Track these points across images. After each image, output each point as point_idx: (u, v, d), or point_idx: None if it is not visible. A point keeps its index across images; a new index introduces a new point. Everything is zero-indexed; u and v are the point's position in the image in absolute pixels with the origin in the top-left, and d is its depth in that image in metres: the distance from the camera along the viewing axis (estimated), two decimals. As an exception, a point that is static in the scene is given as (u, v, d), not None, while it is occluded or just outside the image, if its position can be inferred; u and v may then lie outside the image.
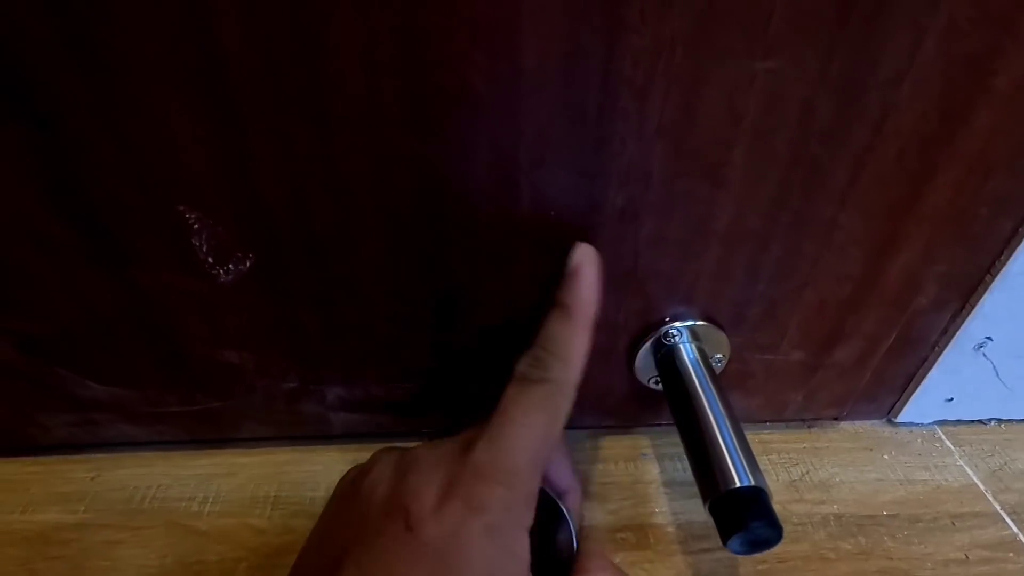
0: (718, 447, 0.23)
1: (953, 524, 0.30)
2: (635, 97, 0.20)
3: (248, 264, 0.24)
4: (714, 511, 0.22)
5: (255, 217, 0.23)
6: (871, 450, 0.34)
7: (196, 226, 0.23)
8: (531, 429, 0.19)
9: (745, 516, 0.20)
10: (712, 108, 0.21)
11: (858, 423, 0.35)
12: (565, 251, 0.24)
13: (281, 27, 0.18)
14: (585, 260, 0.22)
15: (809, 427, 0.35)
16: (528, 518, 0.19)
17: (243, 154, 0.21)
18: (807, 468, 0.33)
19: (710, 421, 0.24)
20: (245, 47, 0.18)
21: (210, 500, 0.30)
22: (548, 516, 0.23)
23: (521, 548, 0.18)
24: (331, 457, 0.33)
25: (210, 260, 0.24)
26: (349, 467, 0.32)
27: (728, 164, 0.22)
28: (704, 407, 0.25)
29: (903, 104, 0.21)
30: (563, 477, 0.25)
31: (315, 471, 0.32)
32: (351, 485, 0.22)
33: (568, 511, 0.23)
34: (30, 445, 0.31)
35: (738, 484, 0.22)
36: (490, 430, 0.19)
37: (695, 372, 0.26)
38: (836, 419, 0.35)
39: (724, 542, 0.21)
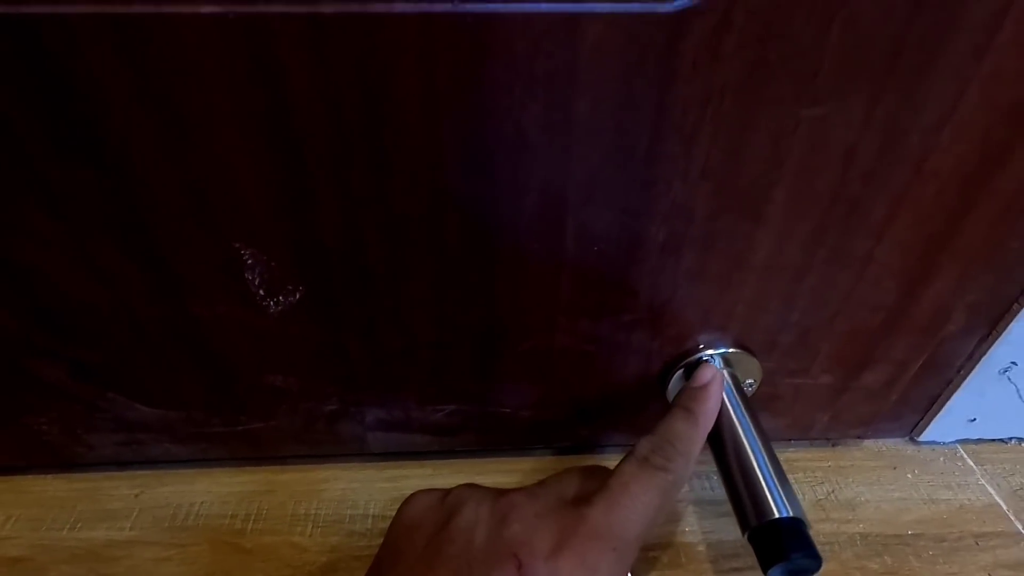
0: (755, 476, 0.24)
1: (977, 544, 0.30)
2: (683, 142, 0.21)
3: (298, 296, 0.25)
4: (754, 540, 0.23)
5: (308, 253, 0.23)
6: (895, 468, 0.34)
7: (250, 262, 0.23)
8: (647, 508, 0.21)
9: (786, 547, 0.21)
10: (756, 152, 0.21)
11: (881, 441, 0.36)
12: (606, 283, 0.25)
13: (347, 76, 0.19)
14: (715, 380, 0.26)
15: (833, 445, 0.36)
16: None
17: (302, 195, 0.21)
18: (832, 487, 0.33)
19: (746, 450, 0.25)
20: (311, 95, 0.19)
21: (252, 518, 0.31)
22: None
23: None
24: (368, 475, 0.34)
25: (261, 293, 0.25)
26: (386, 484, 0.33)
27: (769, 203, 0.23)
28: (739, 435, 0.25)
29: (944, 147, 0.21)
30: None
31: (353, 488, 0.33)
32: (433, 520, 0.22)
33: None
34: (76, 463, 0.32)
35: (777, 515, 0.22)
36: (610, 497, 0.21)
37: (728, 399, 0.27)
38: (859, 437, 0.36)
39: (764, 571, 0.22)
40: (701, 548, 0.30)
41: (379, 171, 0.21)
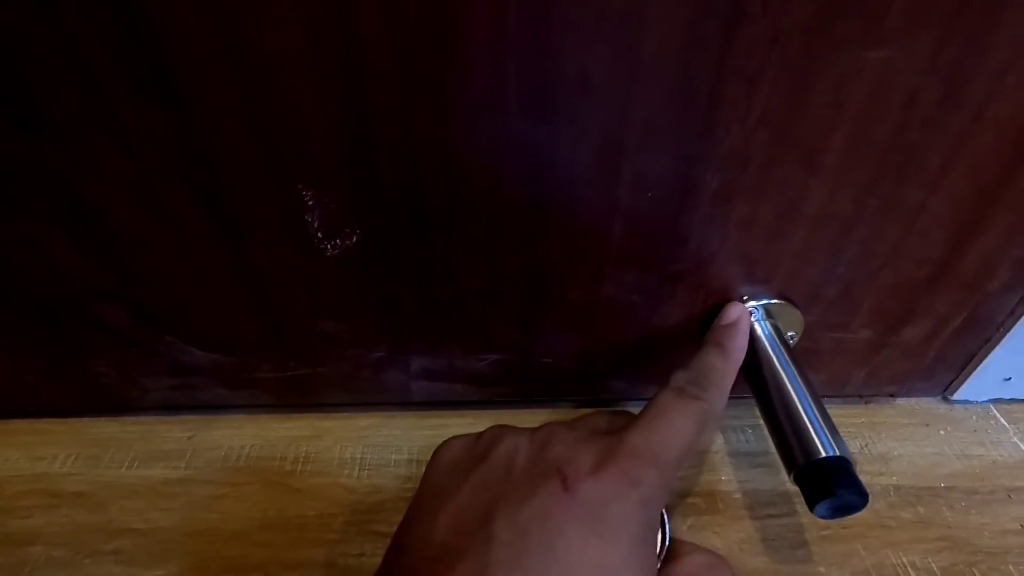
0: (801, 419, 0.24)
1: (1009, 497, 0.31)
2: (745, 85, 0.21)
3: (354, 240, 0.25)
4: (800, 480, 0.23)
5: (367, 197, 0.24)
6: (927, 425, 0.35)
7: (311, 203, 0.24)
8: (684, 431, 0.22)
9: (833, 484, 0.22)
10: (818, 97, 0.21)
11: (913, 400, 0.36)
12: (657, 232, 0.26)
13: (418, 15, 0.19)
14: (743, 316, 0.27)
15: (866, 403, 0.36)
16: (663, 507, 0.21)
17: (366, 138, 0.22)
18: (866, 442, 0.34)
19: (791, 394, 0.25)
20: (382, 36, 0.19)
21: (301, 460, 0.32)
22: None
23: (657, 529, 0.20)
24: (410, 423, 0.35)
25: (319, 235, 0.25)
26: (427, 432, 0.34)
27: (826, 150, 0.23)
28: (784, 381, 0.26)
29: (1006, 93, 0.21)
30: None
31: (396, 435, 0.34)
32: (471, 457, 0.22)
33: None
34: (129, 406, 0.34)
35: (824, 454, 0.23)
36: (649, 421, 0.22)
37: (772, 348, 0.27)
38: (892, 396, 0.36)
39: (811, 507, 0.22)
40: (737, 496, 0.31)
41: (441, 114, 0.21)
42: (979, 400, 0.36)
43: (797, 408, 0.25)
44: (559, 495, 0.19)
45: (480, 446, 0.23)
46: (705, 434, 0.23)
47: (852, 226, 0.26)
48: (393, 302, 0.28)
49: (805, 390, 0.25)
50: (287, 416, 0.35)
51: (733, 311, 0.27)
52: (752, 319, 0.29)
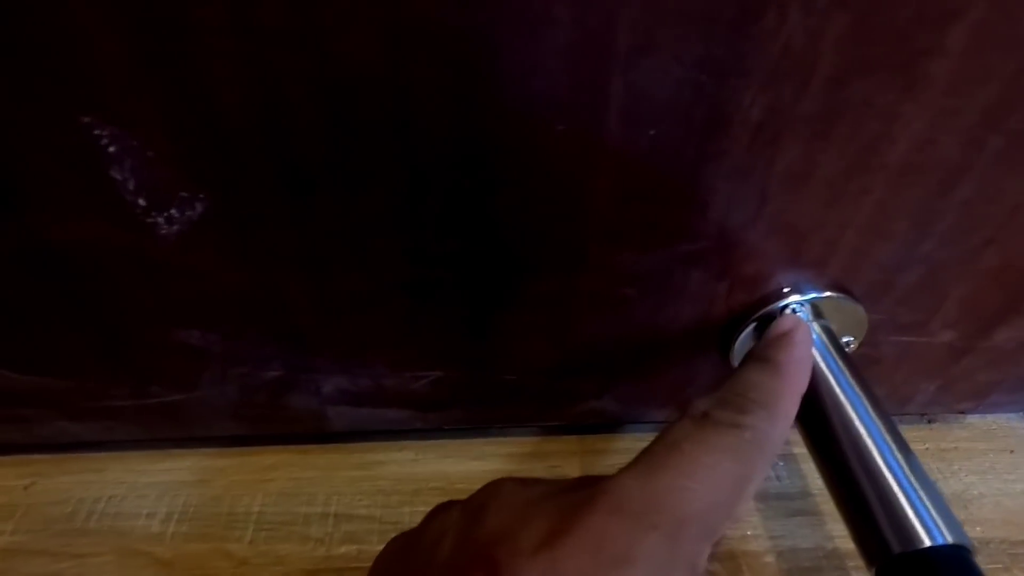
0: (884, 483, 0.16)
1: None
2: (819, -73, 0.12)
3: (199, 208, 0.17)
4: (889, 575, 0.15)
5: (203, 135, 0.15)
6: (1012, 452, 0.27)
7: (112, 149, 0.15)
8: (710, 473, 0.14)
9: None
10: (937, -49, 0.13)
11: (990, 418, 0.28)
12: (663, 191, 0.17)
13: None
14: (799, 325, 0.19)
15: (929, 422, 0.28)
16: None
17: (176, 28, 0.13)
18: (935, 476, 0.26)
19: (866, 444, 0.17)
20: None
21: (175, 517, 0.24)
22: None
23: None
24: (330, 460, 0.26)
25: (141, 203, 0.16)
26: (354, 472, 0.26)
27: (937, 53, 0.14)
28: (853, 422, 0.17)
29: None
30: None
31: (309, 479, 0.25)
32: (404, 544, 0.17)
33: None
34: (-55, 445, 0.25)
35: (928, 543, 0.14)
36: (649, 461, 0.14)
37: (829, 367, 0.19)
38: (963, 412, 0.28)
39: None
40: (770, 559, 0.23)
41: (301, -18, 0.12)
42: (1075, 417, 0.28)
43: (878, 466, 0.16)
44: None
45: (419, 529, 0.17)
46: (754, 475, 0.15)
47: (955, 179, 0.17)
48: (280, 300, 0.19)
49: (887, 437, 0.17)
50: (166, 453, 0.26)
51: (785, 321, 0.19)
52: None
